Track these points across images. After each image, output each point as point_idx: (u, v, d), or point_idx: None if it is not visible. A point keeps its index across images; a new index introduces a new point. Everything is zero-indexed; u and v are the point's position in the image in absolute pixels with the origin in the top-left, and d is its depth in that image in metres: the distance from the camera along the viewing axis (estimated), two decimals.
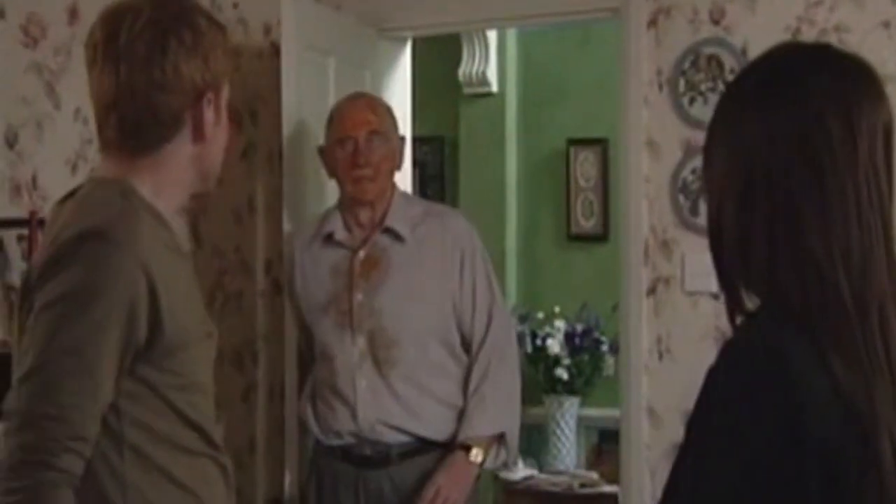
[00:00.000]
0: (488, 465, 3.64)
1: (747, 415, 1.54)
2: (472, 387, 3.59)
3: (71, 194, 2.20)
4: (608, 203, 5.83)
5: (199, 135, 2.16)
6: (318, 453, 3.68)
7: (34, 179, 4.01)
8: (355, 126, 3.60)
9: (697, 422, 1.60)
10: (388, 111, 3.74)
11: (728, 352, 1.60)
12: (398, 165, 3.69)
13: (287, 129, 3.93)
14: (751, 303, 1.65)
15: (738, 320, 1.65)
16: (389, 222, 3.61)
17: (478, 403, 3.57)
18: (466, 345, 3.63)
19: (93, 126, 4.15)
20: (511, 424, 3.61)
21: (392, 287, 3.58)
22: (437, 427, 3.57)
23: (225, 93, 2.21)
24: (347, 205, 3.66)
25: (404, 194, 3.76)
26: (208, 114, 2.16)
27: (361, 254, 3.61)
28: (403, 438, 3.55)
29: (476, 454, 3.55)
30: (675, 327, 3.97)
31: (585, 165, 6.01)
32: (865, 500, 1.54)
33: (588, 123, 5.97)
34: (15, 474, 1.96)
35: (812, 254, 1.58)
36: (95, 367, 1.99)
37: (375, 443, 3.55)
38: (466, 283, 3.60)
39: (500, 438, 3.60)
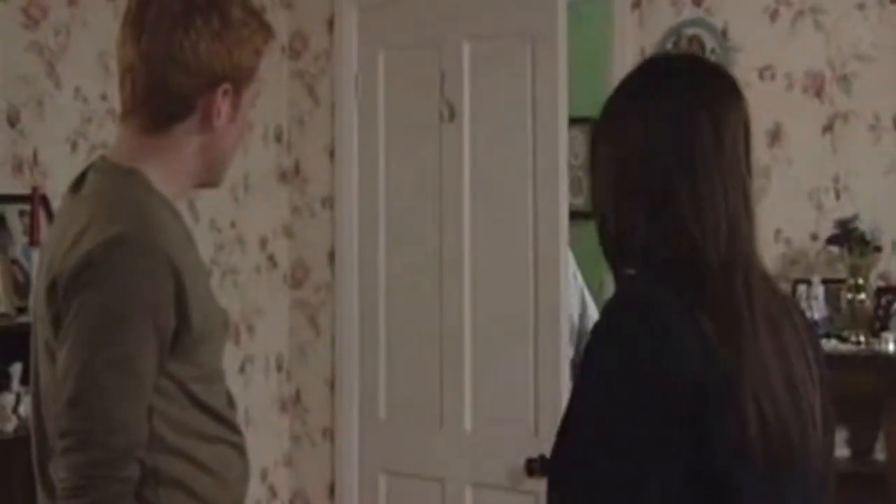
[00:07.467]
0: None
1: (625, 358, 1.77)
2: None
3: (81, 178, 2.17)
4: None
5: (207, 123, 2.13)
6: None
7: (35, 156, 4.08)
8: None
9: (583, 367, 1.82)
10: None
11: (608, 306, 1.85)
12: None
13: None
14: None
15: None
16: None
17: None
18: None
19: (92, 105, 4.26)
20: None
21: None
22: None
23: (249, 93, 2.17)
24: None
25: None
26: (222, 105, 2.13)
27: None
28: None
29: None
30: None
31: (575, 143, 6.08)
32: (726, 437, 1.75)
33: (579, 102, 6.00)
34: (83, 492, 1.96)
35: (687, 229, 1.82)
36: (142, 374, 2.00)
37: None
38: None
39: None
